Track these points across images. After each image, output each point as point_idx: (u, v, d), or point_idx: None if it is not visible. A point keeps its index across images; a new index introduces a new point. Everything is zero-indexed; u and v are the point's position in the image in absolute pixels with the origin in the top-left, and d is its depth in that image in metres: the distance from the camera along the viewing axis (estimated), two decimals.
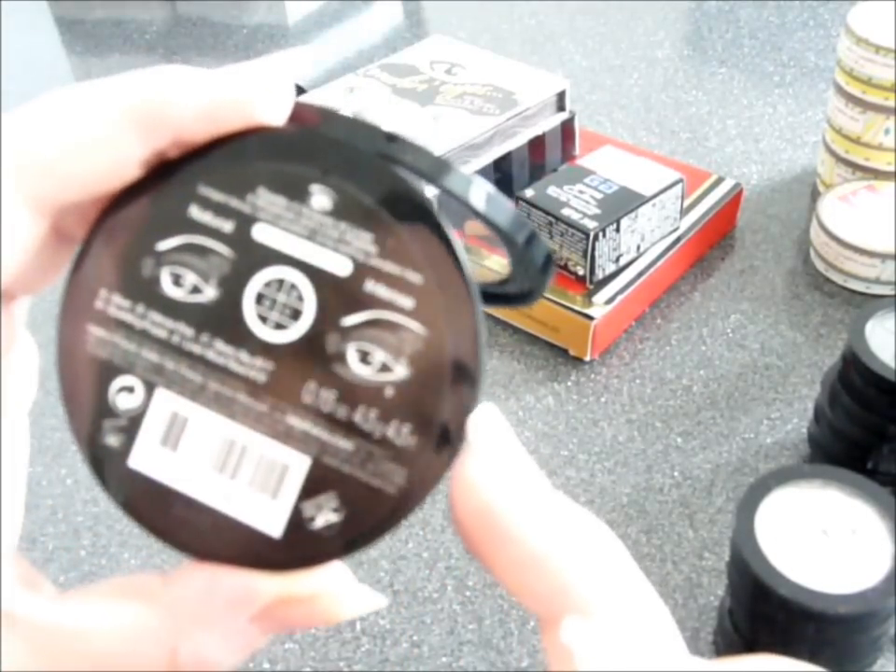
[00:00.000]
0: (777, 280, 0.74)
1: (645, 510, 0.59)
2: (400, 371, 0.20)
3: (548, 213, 0.68)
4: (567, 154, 0.80)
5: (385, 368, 0.20)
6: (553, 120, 0.78)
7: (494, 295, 0.27)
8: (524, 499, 0.19)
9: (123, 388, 0.21)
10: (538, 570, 0.19)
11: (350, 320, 0.20)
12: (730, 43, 1.03)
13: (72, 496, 0.62)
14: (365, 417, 0.20)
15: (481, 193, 0.21)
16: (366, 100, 0.76)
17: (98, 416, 0.21)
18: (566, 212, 0.67)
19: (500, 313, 0.72)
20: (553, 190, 0.69)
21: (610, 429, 0.64)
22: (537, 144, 0.77)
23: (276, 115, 0.21)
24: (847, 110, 0.75)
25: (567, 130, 0.79)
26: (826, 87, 0.90)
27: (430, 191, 0.21)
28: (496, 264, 0.70)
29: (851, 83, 0.74)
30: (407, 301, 0.20)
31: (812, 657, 0.45)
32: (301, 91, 0.89)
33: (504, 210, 0.21)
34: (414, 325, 0.20)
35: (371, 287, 0.20)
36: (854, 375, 0.54)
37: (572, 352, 0.69)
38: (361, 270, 0.20)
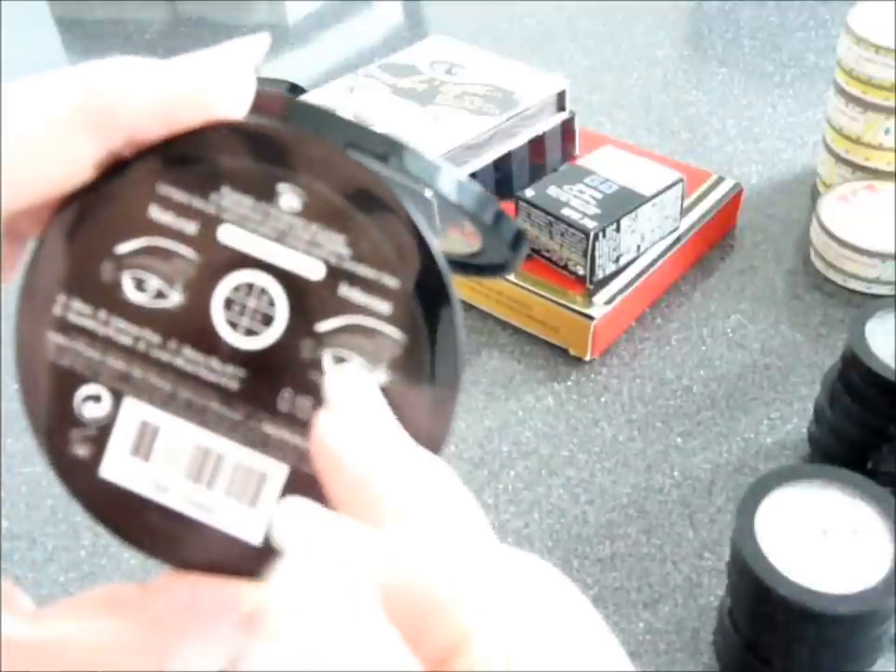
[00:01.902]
0: (777, 280, 0.74)
1: (645, 510, 0.59)
2: (379, 378, 0.20)
3: (548, 213, 0.68)
4: (567, 154, 0.80)
5: None
6: (553, 120, 0.78)
7: (469, 265, 0.26)
8: (362, 435, 0.19)
9: (89, 397, 0.20)
10: (362, 494, 0.18)
11: (325, 326, 0.20)
12: (730, 43, 1.03)
13: None
14: None
15: (448, 178, 0.20)
16: (366, 100, 0.76)
17: (64, 426, 0.20)
18: (566, 212, 0.67)
19: (501, 313, 0.71)
20: (553, 190, 0.69)
21: (610, 429, 0.64)
22: (537, 144, 0.77)
23: (236, 107, 0.19)
24: (847, 110, 0.75)
25: (567, 130, 0.79)
26: (826, 87, 0.89)
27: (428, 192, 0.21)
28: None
29: (851, 83, 0.74)
30: (383, 306, 0.20)
31: (812, 657, 0.45)
32: (301, 90, 0.89)
33: (470, 192, 0.21)
34: (392, 330, 0.20)
35: (346, 291, 0.20)
36: (854, 375, 0.54)
37: (572, 352, 0.69)
38: (335, 273, 0.20)
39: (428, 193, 0.21)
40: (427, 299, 0.20)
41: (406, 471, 0.18)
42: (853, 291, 0.73)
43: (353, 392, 0.19)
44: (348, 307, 0.20)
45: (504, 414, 0.66)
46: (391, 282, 0.20)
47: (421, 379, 0.20)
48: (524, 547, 0.57)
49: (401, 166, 0.20)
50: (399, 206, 0.19)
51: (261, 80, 0.20)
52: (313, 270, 0.20)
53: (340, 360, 0.20)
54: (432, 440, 0.20)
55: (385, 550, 0.17)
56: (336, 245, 0.20)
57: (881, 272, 0.71)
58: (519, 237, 0.23)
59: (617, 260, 0.70)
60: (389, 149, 0.20)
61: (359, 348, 0.20)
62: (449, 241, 0.25)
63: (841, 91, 0.75)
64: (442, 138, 0.72)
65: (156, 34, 1.13)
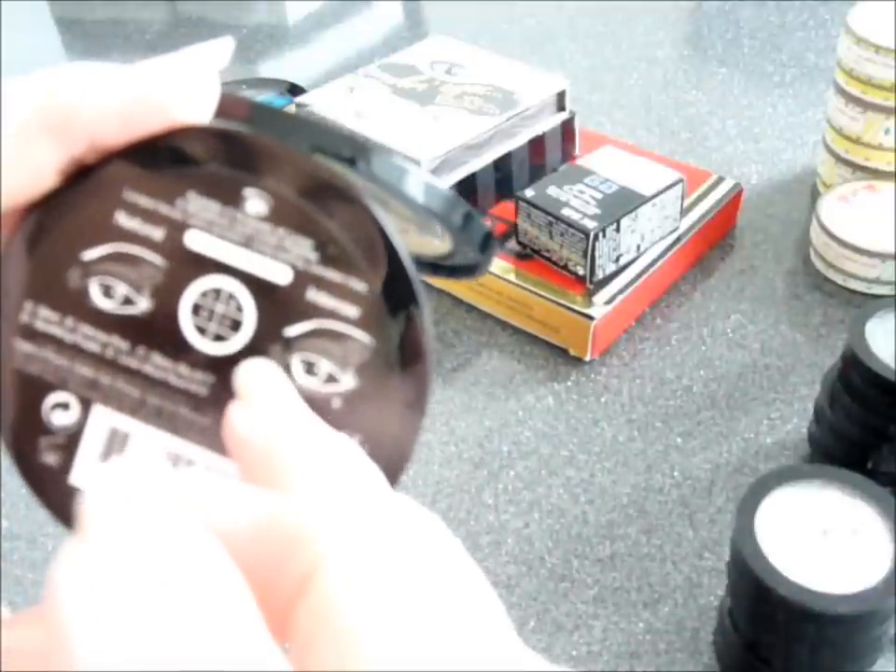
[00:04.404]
0: (777, 280, 0.74)
1: (645, 510, 0.59)
2: (348, 382, 0.20)
3: (548, 213, 0.68)
4: (567, 154, 0.80)
5: (331, 378, 0.20)
6: (553, 120, 0.78)
7: (439, 267, 0.26)
8: (269, 418, 0.19)
9: (57, 405, 0.20)
10: (267, 467, 0.18)
11: (293, 330, 0.20)
12: (730, 43, 1.03)
13: None
14: None
15: (415, 181, 0.20)
16: (366, 100, 0.76)
17: (33, 434, 0.20)
18: (566, 212, 0.67)
19: (501, 313, 0.71)
20: (553, 190, 0.69)
21: (610, 429, 0.64)
22: (537, 144, 0.77)
23: (199, 112, 0.19)
24: (847, 110, 0.75)
25: (567, 130, 0.79)
26: (826, 87, 0.89)
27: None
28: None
29: (851, 83, 0.74)
30: (351, 310, 0.20)
31: (812, 657, 0.45)
32: (300, 90, 0.89)
33: (438, 195, 0.21)
34: (360, 334, 0.20)
35: (314, 295, 0.20)
36: (854, 375, 0.54)
37: (572, 352, 0.69)
38: (302, 278, 0.20)
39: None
40: (395, 302, 0.20)
41: (310, 445, 0.18)
42: (853, 291, 0.73)
43: (262, 383, 0.19)
44: (316, 311, 0.20)
45: (504, 414, 0.66)
46: (359, 286, 0.20)
47: (390, 383, 0.20)
48: (523, 547, 0.57)
49: (368, 169, 0.20)
50: (366, 209, 0.19)
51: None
52: (280, 274, 0.20)
53: (309, 364, 0.20)
54: (401, 443, 0.20)
55: (251, 497, 0.17)
56: (303, 249, 0.19)
57: (881, 272, 0.71)
58: (488, 239, 0.23)
59: (617, 260, 0.70)
60: (356, 152, 0.19)
61: (328, 352, 0.20)
62: (445, 242, 0.25)
63: (841, 91, 0.75)
64: (442, 138, 0.72)
65: (156, 34, 1.13)
